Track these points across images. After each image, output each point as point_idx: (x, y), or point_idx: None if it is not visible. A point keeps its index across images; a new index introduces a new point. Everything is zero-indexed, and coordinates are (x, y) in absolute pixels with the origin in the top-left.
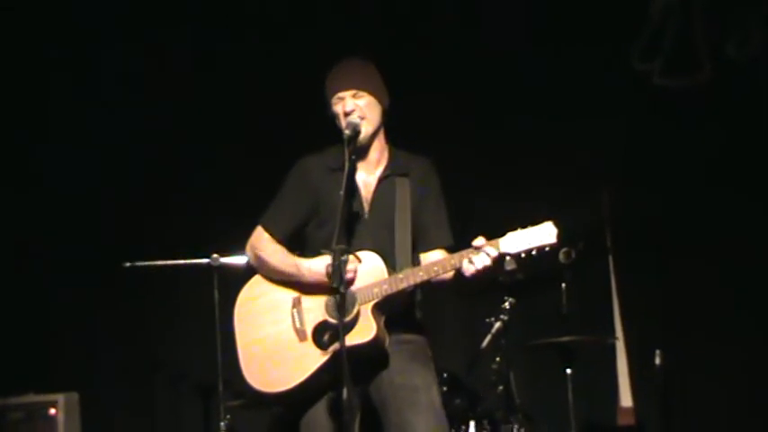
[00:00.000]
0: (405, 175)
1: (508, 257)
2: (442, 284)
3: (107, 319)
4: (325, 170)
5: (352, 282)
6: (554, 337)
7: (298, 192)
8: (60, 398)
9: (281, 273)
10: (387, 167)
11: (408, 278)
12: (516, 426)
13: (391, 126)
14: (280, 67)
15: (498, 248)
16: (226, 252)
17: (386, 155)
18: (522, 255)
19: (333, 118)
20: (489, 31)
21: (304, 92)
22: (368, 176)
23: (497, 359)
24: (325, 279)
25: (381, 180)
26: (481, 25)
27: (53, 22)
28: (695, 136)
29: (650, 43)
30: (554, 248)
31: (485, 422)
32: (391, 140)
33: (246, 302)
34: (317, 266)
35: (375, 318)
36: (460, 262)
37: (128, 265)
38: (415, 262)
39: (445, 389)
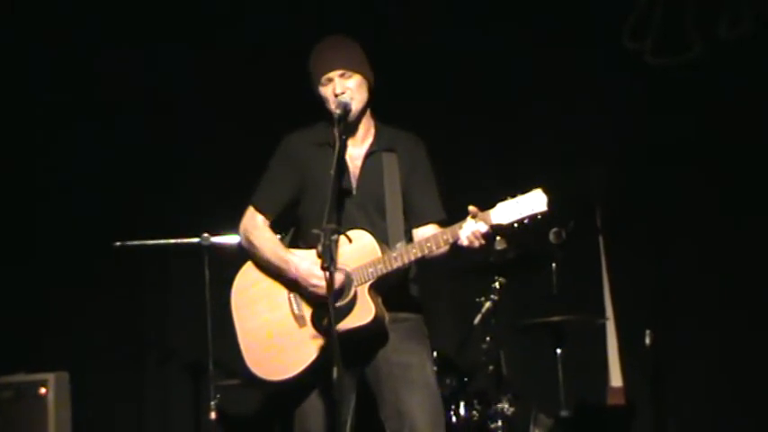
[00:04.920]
0: (391, 150)
1: (498, 237)
2: (438, 259)
3: (98, 299)
4: (310, 145)
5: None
6: (544, 317)
7: (285, 168)
8: (51, 377)
9: (271, 265)
10: (373, 143)
11: (402, 256)
12: (506, 405)
13: (383, 104)
14: (275, 48)
15: (490, 220)
16: (216, 232)
17: (372, 131)
18: (515, 225)
19: (319, 98)
20: (482, 11)
21: (295, 70)
22: (354, 152)
23: (488, 339)
24: (310, 281)
25: (368, 156)
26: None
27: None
28: (686, 115)
29: (641, 22)
30: (545, 216)
31: (475, 402)
32: (380, 116)
33: (242, 290)
34: (304, 268)
35: (372, 298)
36: (453, 236)
37: (118, 244)
38: (408, 237)
39: (435, 369)
